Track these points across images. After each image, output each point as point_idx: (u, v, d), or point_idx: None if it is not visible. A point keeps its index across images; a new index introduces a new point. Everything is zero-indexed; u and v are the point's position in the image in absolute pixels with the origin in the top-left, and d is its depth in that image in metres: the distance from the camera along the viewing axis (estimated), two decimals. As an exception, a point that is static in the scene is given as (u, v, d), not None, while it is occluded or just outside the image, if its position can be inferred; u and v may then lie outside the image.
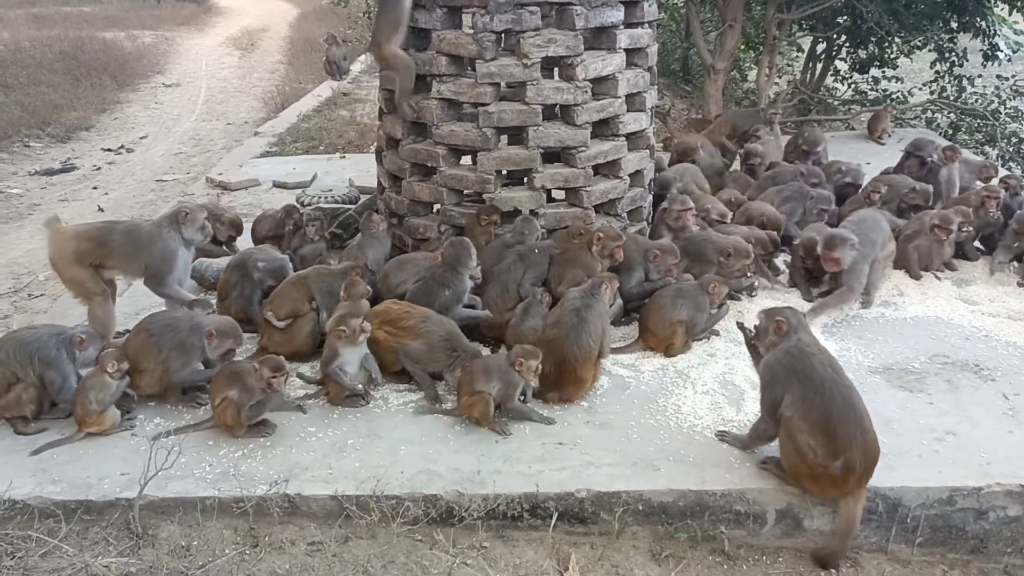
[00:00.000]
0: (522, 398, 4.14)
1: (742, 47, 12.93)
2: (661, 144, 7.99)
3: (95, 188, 9.89)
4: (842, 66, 12.00)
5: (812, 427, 3.44)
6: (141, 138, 12.42)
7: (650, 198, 5.96)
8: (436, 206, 5.48)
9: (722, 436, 3.93)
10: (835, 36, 11.14)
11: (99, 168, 10.80)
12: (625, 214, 5.57)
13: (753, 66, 12.63)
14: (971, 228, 5.71)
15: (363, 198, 6.90)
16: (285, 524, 3.59)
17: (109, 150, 11.63)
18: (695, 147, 7.12)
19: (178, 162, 11.07)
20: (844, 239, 5.03)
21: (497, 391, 4.00)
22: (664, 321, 4.68)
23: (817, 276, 5.40)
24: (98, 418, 3.99)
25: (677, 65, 14.04)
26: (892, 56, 11.10)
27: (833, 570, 3.53)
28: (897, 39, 10.24)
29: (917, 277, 5.56)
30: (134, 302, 5.32)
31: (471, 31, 4.97)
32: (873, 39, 10.47)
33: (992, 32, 9.96)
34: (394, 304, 4.53)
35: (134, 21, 22.63)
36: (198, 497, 3.58)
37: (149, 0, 26.45)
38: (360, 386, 4.27)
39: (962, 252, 5.83)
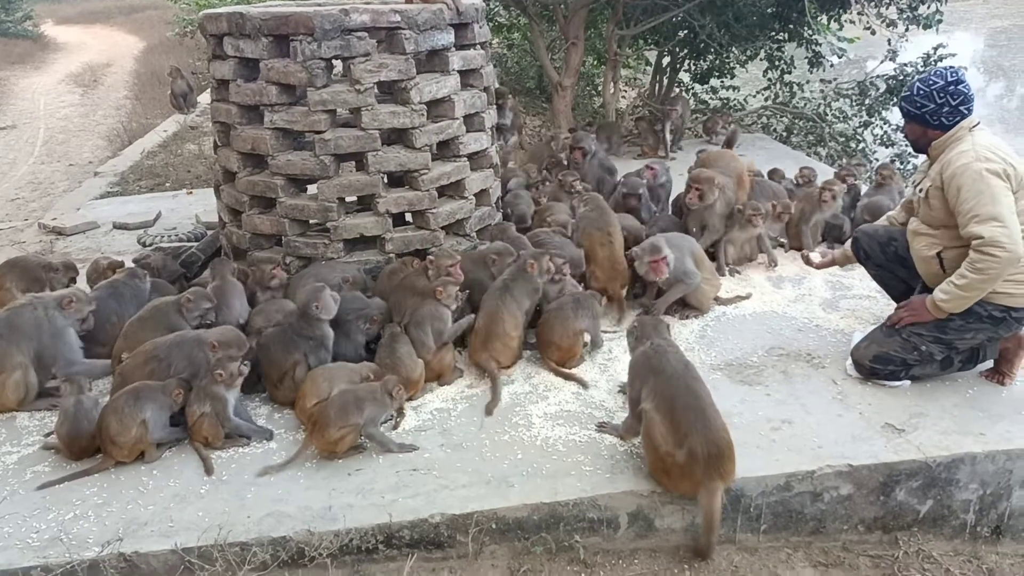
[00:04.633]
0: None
1: (594, 62, 13.32)
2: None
3: (-84, 241, 9.13)
4: (686, 78, 12.55)
5: (661, 416, 3.60)
6: (-29, 185, 11.59)
7: (499, 216, 6.01)
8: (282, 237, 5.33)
9: (601, 427, 4.11)
10: (677, 49, 11.63)
11: (-79, 219, 10.00)
12: (474, 233, 5.60)
13: (606, 81, 13.00)
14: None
15: (210, 234, 6.66)
16: (122, 586, 3.39)
17: (-67, 199, 10.80)
18: None
19: (15, 208, 10.34)
20: (658, 245, 5.08)
21: (367, 416, 3.94)
22: (568, 331, 4.66)
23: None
24: None
25: (532, 83, 14.30)
26: (730, 66, 11.70)
27: (696, 564, 3.62)
28: (733, 50, 10.79)
29: (722, 273, 5.75)
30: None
31: (301, 59, 4.89)
32: (711, 51, 11.00)
33: (815, 41, 10.65)
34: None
35: (-39, 61, 21.21)
36: (21, 568, 3.33)
37: (-23, 38, 24.84)
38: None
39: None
